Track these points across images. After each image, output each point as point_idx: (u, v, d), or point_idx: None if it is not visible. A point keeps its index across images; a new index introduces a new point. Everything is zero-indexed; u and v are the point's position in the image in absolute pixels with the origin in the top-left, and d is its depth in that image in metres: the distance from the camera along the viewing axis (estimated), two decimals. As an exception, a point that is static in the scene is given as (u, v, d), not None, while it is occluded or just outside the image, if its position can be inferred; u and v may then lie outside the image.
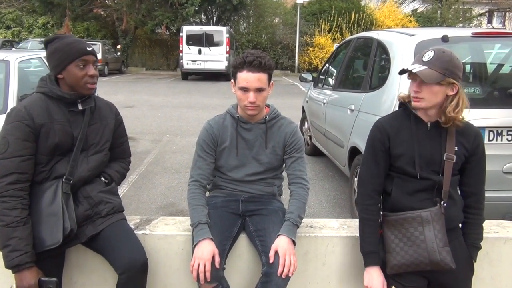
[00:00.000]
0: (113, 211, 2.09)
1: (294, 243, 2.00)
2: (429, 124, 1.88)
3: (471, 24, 27.57)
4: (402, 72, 1.86)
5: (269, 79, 2.11)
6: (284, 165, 2.27)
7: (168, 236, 2.21)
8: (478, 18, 28.46)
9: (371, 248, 1.96)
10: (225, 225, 2.11)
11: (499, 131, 3.17)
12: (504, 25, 29.14)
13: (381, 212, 2.00)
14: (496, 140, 3.14)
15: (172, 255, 2.21)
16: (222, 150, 2.20)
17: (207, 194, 2.34)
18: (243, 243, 2.21)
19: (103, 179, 2.16)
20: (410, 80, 1.86)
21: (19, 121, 1.89)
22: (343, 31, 23.40)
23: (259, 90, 2.06)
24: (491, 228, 2.33)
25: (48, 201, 1.94)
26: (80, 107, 2.03)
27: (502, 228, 2.33)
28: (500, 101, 3.31)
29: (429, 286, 1.96)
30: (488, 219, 2.40)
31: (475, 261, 1.97)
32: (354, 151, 4.06)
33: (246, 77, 2.03)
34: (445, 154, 1.85)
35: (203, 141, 2.21)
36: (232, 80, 2.16)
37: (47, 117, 1.96)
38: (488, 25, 30.04)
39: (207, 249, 1.93)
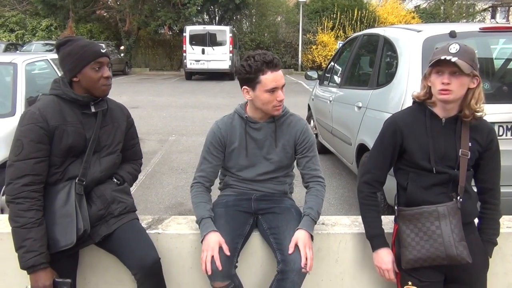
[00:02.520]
0: (126, 211, 2.10)
1: (312, 238, 2.02)
2: (443, 120, 1.88)
3: (474, 20, 27.45)
4: (436, 63, 1.80)
5: None
6: (296, 163, 2.27)
7: (181, 235, 2.22)
8: (482, 13, 28.32)
9: (376, 231, 1.99)
10: (237, 224, 2.12)
11: (509, 126, 3.16)
12: (507, 20, 28.99)
13: (395, 207, 2.00)
14: (506, 135, 3.13)
15: (185, 254, 2.22)
16: (232, 151, 2.20)
17: (219, 193, 2.35)
18: (255, 241, 2.21)
19: (115, 180, 2.17)
20: (434, 74, 1.82)
21: (33, 123, 1.90)
22: (346, 29, 23.36)
23: (283, 86, 2.08)
24: (503, 223, 2.31)
25: (61, 202, 1.95)
26: (93, 110, 2.04)
27: (514, 223, 2.32)
28: (509, 96, 3.29)
29: (445, 281, 1.96)
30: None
31: (490, 257, 1.97)
32: (362, 148, 4.05)
33: (273, 77, 2.02)
34: (460, 150, 1.85)
35: (210, 143, 2.21)
36: (245, 87, 2.09)
37: (61, 119, 1.97)
38: (492, 20, 29.87)
39: (212, 240, 1.95)
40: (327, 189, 4.98)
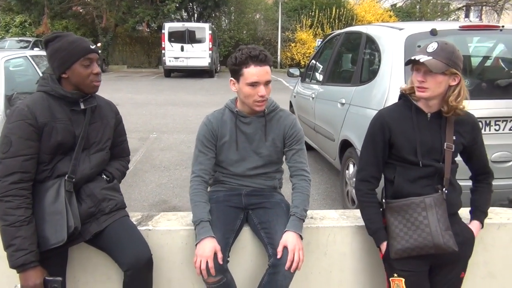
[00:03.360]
0: (117, 208, 2.09)
1: (301, 237, 2.04)
2: (429, 115, 1.95)
3: (449, 19, 28.01)
4: (408, 62, 1.91)
5: None
6: (284, 157, 2.30)
7: (172, 231, 2.22)
8: (456, 12, 28.92)
9: (378, 225, 2.03)
10: (227, 219, 2.13)
11: (487, 122, 3.27)
12: (481, 19, 29.64)
13: (383, 200, 2.05)
14: (484, 131, 3.23)
15: (175, 250, 2.22)
16: (222, 145, 2.21)
17: (209, 189, 2.36)
18: (246, 236, 2.23)
19: (104, 177, 2.16)
20: (414, 71, 1.92)
21: (22, 120, 1.87)
22: (325, 27, 23.53)
23: (267, 83, 2.08)
24: (485, 214, 2.40)
25: (51, 200, 1.93)
26: (82, 106, 2.03)
27: (495, 215, 2.41)
28: (487, 93, 3.39)
29: (430, 270, 2.02)
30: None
31: (483, 227, 2.10)
32: (345, 144, 4.12)
33: (256, 72, 2.03)
34: (445, 143, 1.92)
35: (203, 136, 2.22)
36: (232, 78, 2.14)
37: (50, 116, 1.95)
38: (466, 19, 30.57)
39: (208, 246, 1.94)
40: (311, 185, 5.08)
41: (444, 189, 1.95)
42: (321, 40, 8.79)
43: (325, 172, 5.63)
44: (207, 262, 1.92)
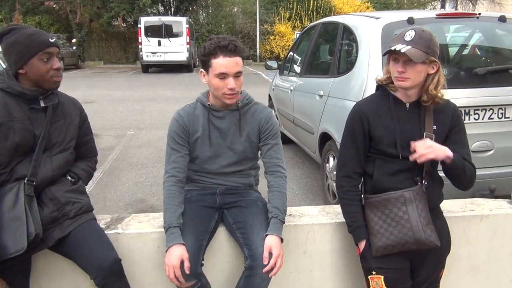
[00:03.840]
0: (82, 211, 1.97)
1: (282, 240, 1.96)
2: (407, 105, 1.88)
3: (425, 9, 28.24)
4: (386, 52, 1.83)
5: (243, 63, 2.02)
6: (259, 152, 2.20)
7: (142, 234, 2.11)
8: (432, 3, 29.18)
9: (359, 223, 1.94)
10: (201, 220, 2.03)
11: (467, 111, 3.22)
12: (456, 9, 30.00)
13: (362, 196, 1.98)
14: (464, 120, 3.17)
15: (147, 254, 2.11)
16: (195, 141, 2.09)
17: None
18: (221, 237, 2.13)
19: (69, 178, 2.03)
20: (391, 61, 1.84)
21: None
22: (303, 19, 23.50)
23: (238, 75, 1.95)
24: (466, 206, 2.35)
25: (9, 205, 1.79)
26: (42, 104, 1.89)
27: (477, 206, 2.36)
28: (466, 81, 3.35)
29: (411, 270, 1.95)
30: (461, 198, 2.44)
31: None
32: (324, 137, 4.04)
33: (224, 63, 1.91)
34: (424, 133, 1.84)
35: (174, 133, 2.09)
36: (202, 70, 2.02)
37: (6, 115, 1.82)
38: (442, 9, 30.87)
39: (174, 255, 1.84)
40: (291, 179, 5.03)
41: (424, 182, 1.88)
42: (300, 32, 8.68)
43: (305, 165, 5.56)
44: (174, 271, 1.82)
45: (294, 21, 23.70)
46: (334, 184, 3.89)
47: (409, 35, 1.78)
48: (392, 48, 1.78)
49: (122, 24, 24.20)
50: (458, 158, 1.84)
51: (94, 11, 22.37)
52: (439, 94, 1.84)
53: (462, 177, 1.88)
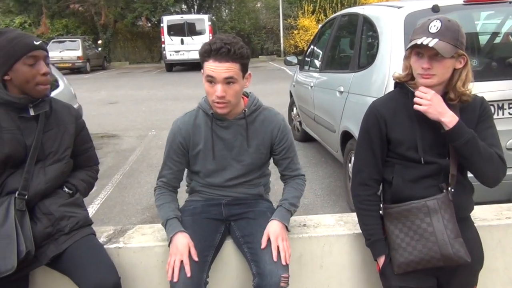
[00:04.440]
0: (78, 226, 1.84)
1: (287, 228, 1.83)
2: None
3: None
4: (410, 47, 1.61)
5: (244, 70, 1.78)
6: (276, 164, 2.03)
7: (145, 248, 1.97)
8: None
9: (377, 236, 1.76)
10: (205, 233, 1.87)
11: (500, 105, 2.96)
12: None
13: (381, 205, 1.78)
14: (498, 115, 2.92)
15: (150, 269, 1.97)
16: (197, 154, 1.92)
17: (186, 196, 2.11)
18: (229, 250, 1.97)
19: (66, 190, 1.91)
20: (414, 56, 1.62)
21: None
22: (327, 12, 23.06)
23: (229, 82, 1.74)
24: (502, 213, 2.12)
25: (-1, 221, 1.68)
26: (32, 113, 1.77)
27: (513, 213, 2.12)
28: (498, 73, 3.07)
29: (438, 285, 1.75)
30: (496, 201, 2.21)
31: None
32: (346, 135, 3.83)
33: (212, 67, 1.72)
34: None
35: (170, 147, 1.94)
36: (202, 70, 1.84)
37: None
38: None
39: (180, 242, 1.75)
40: (313, 179, 4.83)
41: (450, 189, 1.66)
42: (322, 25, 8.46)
43: (329, 164, 5.35)
44: (181, 260, 1.71)
45: (318, 15, 23.30)
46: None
47: (435, 26, 1.56)
48: (418, 42, 1.55)
49: (146, 24, 24.38)
50: (464, 128, 1.59)
51: (118, 12, 22.62)
52: (467, 91, 1.63)
53: (476, 159, 1.62)
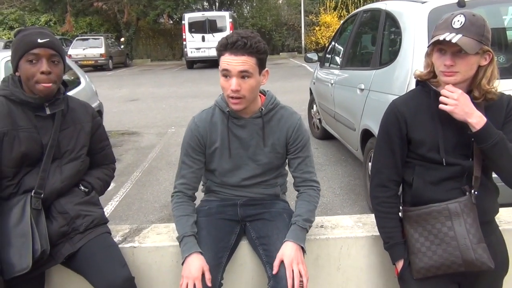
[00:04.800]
0: (93, 225, 1.83)
1: (303, 249, 1.73)
2: None
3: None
4: (432, 43, 1.54)
5: (260, 65, 1.74)
6: (288, 165, 1.97)
7: (160, 248, 1.95)
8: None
9: (396, 240, 1.70)
10: (220, 235, 1.83)
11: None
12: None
13: (400, 207, 1.72)
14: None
15: (165, 269, 1.96)
16: (213, 152, 1.88)
17: (202, 196, 2.08)
18: (245, 251, 1.94)
19: (82, 188, 1.90)
20: (436, 52, 1.55)
21: None
22: (349, 8, 22.79)
23: (244, 76, 1.70)
24: (526, 217, 2.02)
25: (15, 220, 1.69)
26: (48, 112, 1.77)
27: (541, 216, 2.03)
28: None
29: None
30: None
31: None
32: (366, 134, 3.76)
33: (229, 60, 1.68)
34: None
35: (188, 145, 1.89)
36: (219, 67, 1.80)
37: (10, 123, 1.71)
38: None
39: (194, 265, 1.66)
40: (332, 178, 4.76)
41: (473, 191, 1.59)
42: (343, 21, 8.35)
43: (348, 163, 5.27)
44: (194, 284, 1.64)
45: (340, 11, 23.06)
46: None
47: (458, 21, 1.49)
48: (441, 38, 1.48)
49: (168, 21, 24.53)
50: (493, 130, 1.51)
51: (141, 10, 22.81)
52: (493, 89, 1.55)
53: (505, 161, 1.54)
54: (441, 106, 1.53)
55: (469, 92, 1.57)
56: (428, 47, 1.59)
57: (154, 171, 5.39)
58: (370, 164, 3.79)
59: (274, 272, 1.67)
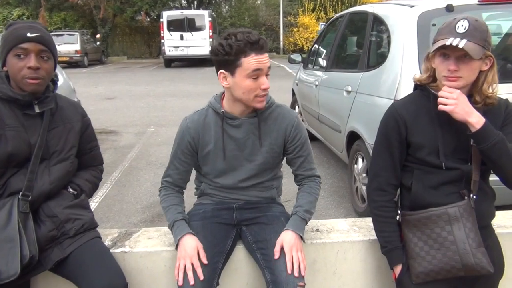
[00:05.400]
0: (84, 229, 1.75)
1: (302, 239, 1.74)
2: None
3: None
4: (438, 48, 1.53)
5: None
6: (289, 163, 1.95)
7: (152, 253, 1.89)
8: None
9: (394, 244, 1.69)
10: (216, 239, 1.79)
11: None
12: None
13: (399, 211, 1.71)
14: None
15: (157, 275, 1.89)
16: (207, 154, 1.84)
17: (195, 199, 2.02)
18: (240, 256, 1.89)
19: (71, 190, 1.82)
20: (439, 57, 1.54)
21: None
22: (327, 10, 23.02)
23: (268, 72, 1.72)
24: (520, 221, 2.05)
25: (1, 224, 1.60)
26: (37, 110, 1.68)
27: (533, 220, 2.05)
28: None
29: None
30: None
31: None
32: (352, 136, 3.76)
33: (257, 59, 1.65)
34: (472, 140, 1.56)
35: (178, 146, 1.86)
36: (223, 71, 1.72)
37: None
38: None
39: (189, 245, 1.68)
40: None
41: (472, 196, 1.59)
42: (324, 23, 8.38)
43: (331, 165, 5.27)
44: (192, 263, 1.64)
45: (318, 12, 23.26)
46: (363, 187, 3.65)
47: (462, 26, 1.48)
48: (448, 43, 1.48)
49: (145, 19, 24.24)
50: (492, 129, 1.51)
51: (117, 6, 22.46)
52: (493, 94, 1.56)
53: (505, 161, 1.54)
54: (440, 107, 1.53)
55: (469, 96, 1.57)
56: (432, 51, 1.58)
57: (134, 172, 5.28)
58: (355, 166, 3.79)
59: (276, 257, 1.67)
